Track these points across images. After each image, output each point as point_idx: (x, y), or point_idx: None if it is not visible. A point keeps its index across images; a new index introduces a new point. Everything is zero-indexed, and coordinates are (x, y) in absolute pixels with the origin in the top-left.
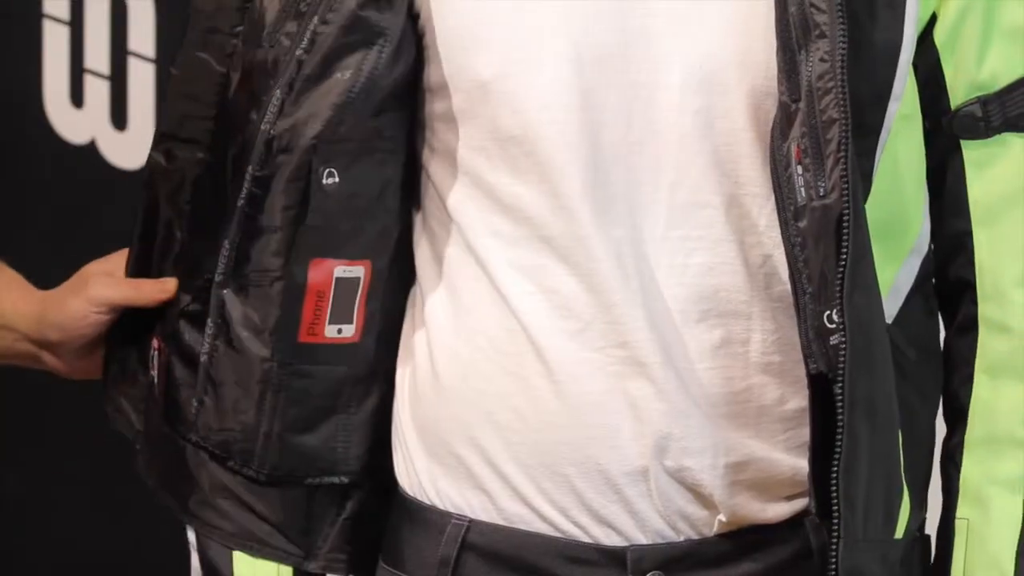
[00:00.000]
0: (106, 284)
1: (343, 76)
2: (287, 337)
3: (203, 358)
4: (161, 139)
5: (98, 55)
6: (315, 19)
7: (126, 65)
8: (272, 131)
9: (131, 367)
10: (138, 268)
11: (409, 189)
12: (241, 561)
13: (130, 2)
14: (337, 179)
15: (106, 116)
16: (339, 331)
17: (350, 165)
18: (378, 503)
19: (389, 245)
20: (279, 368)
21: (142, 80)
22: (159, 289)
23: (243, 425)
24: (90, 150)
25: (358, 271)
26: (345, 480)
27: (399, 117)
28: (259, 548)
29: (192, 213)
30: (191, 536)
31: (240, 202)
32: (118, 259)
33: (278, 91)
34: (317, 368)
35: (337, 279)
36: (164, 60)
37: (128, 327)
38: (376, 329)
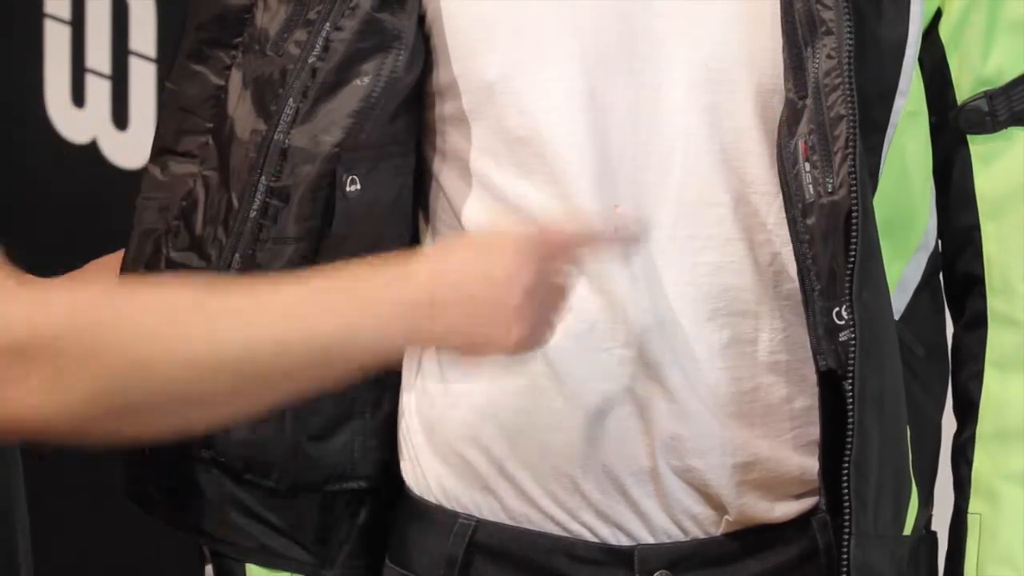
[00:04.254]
0: None
1: (361, 82)
2: None
3: None
4: (158, 153)
5: (99, 55)
6: (327, 25)
7: (127, 65)
8: (287, 141)
9: None
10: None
11: (418, 193)
12: (256, 572)
13: (131, 2)
14: (359, 186)
15: (107, 116)
16: None
17: (370, 172)
18: (393, 508)
19: (403, 249)
20: None
21: (143, 80)
22: None
23: (262, 437)
24: (91, 150)
25: None
26: (364, 485)
27: (411, 121)
28: (274, 560)
29: (185, 228)
30: (205, 548)
31: (252, 213)
32: (117, 260)
33: (291, 100)
34: None
35: None
36: (165, 60)
37: None
38: None
